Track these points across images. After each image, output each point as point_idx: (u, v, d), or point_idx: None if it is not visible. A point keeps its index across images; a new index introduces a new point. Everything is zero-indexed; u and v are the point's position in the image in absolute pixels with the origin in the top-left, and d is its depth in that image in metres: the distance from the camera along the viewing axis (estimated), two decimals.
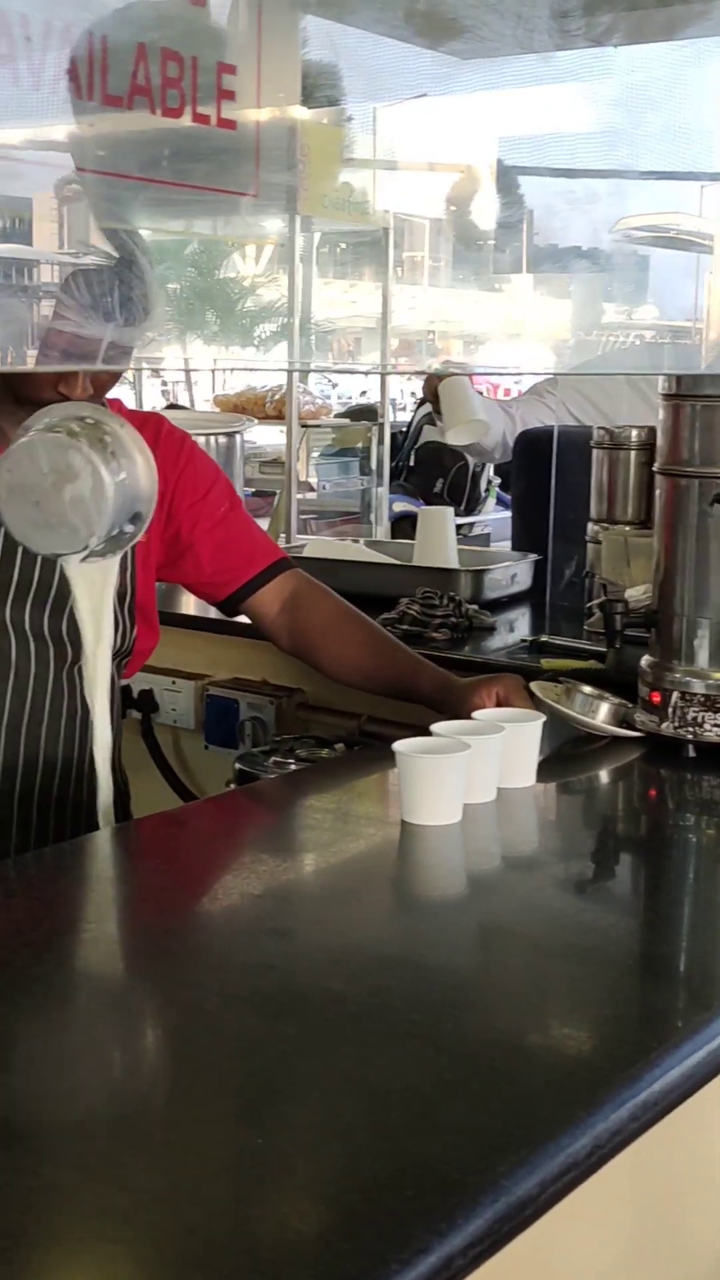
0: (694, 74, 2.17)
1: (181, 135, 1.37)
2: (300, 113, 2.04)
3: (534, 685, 2.08)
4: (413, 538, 3.42)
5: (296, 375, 4.55)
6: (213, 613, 2.64)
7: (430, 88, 2.23)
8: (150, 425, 2.22)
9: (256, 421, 4.75)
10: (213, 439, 3.57)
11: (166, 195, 1.47)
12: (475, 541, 4.75)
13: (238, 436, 3.71)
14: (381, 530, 4.70)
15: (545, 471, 3.12)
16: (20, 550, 1.98)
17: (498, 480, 5.43)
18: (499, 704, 2.03)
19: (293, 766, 2.22)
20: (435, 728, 1.81)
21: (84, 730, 2.09)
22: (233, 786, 2.25)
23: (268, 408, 4.80)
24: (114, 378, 2.14)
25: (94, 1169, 1.01)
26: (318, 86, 1.91)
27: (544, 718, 1.92)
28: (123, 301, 1.80)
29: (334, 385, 11.25)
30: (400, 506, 4.83)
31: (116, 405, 2.21)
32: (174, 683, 2.94)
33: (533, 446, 3.39)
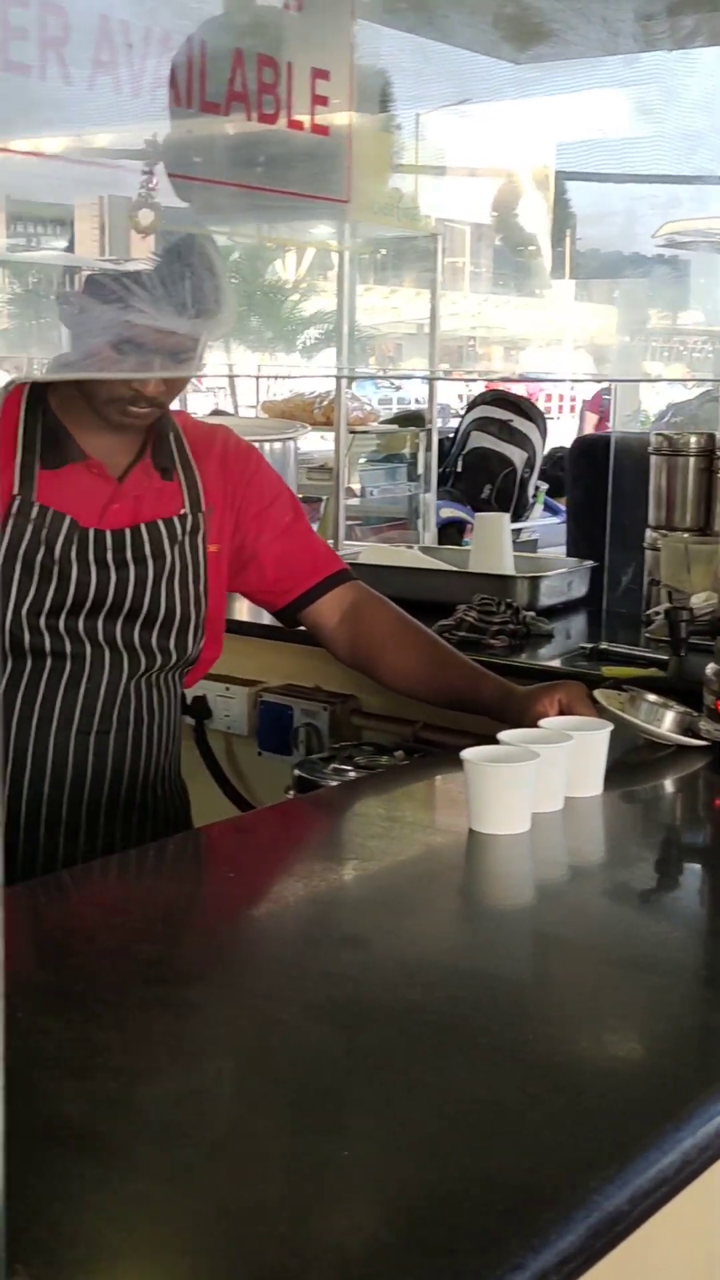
0: None
1: (277, 141, 1.37)
2: (347, 118, 2.04)
3: (597, 693, 2.07)
4: (459, 544, 3.40)
5: (346, 381, 4.55)
6: (265, 618, 2.64)
7: (489, 94, 2.23)
8: (218, 438, 2.23)
9: (310, 428, 4.75)
10: (266, 445, 3.57)
11: (250, 201, 1.47)
12: (523, 547, 4.73)
13: (292, 443, 3.71)
14: (429, 536, 4.69)
15: (601, 478, 3.10)
16: (97, 569, 2.00)
17: (545, 486, 5.42)
18: (562, 711, 2.01)
19: (352, 774, 2.21)
20: (503, 736, 1.80)
21: (149, 738, 2.10)
22: (292, 794, 2.25)
23: (316, 414, 4.80)
24: (186, 380, 2.15)
25: (178, 1180, 1.01)
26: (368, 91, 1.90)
27: (611, 726, 1.90)
28: (194, 294, 1.80)
29: (398, 388, 11.15)
30: (447, 512, 4.82)
31: (182, 417, 2.22)
32: (227, 689, 2.94)
33: (589, 453, 3.38)
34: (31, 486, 2.00)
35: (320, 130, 1.41)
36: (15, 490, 1.99)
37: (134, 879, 1.64)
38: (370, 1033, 1.23)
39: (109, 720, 2.05)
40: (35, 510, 1.99)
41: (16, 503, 1.98)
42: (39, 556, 1.98)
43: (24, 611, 1.98)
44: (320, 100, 1.39)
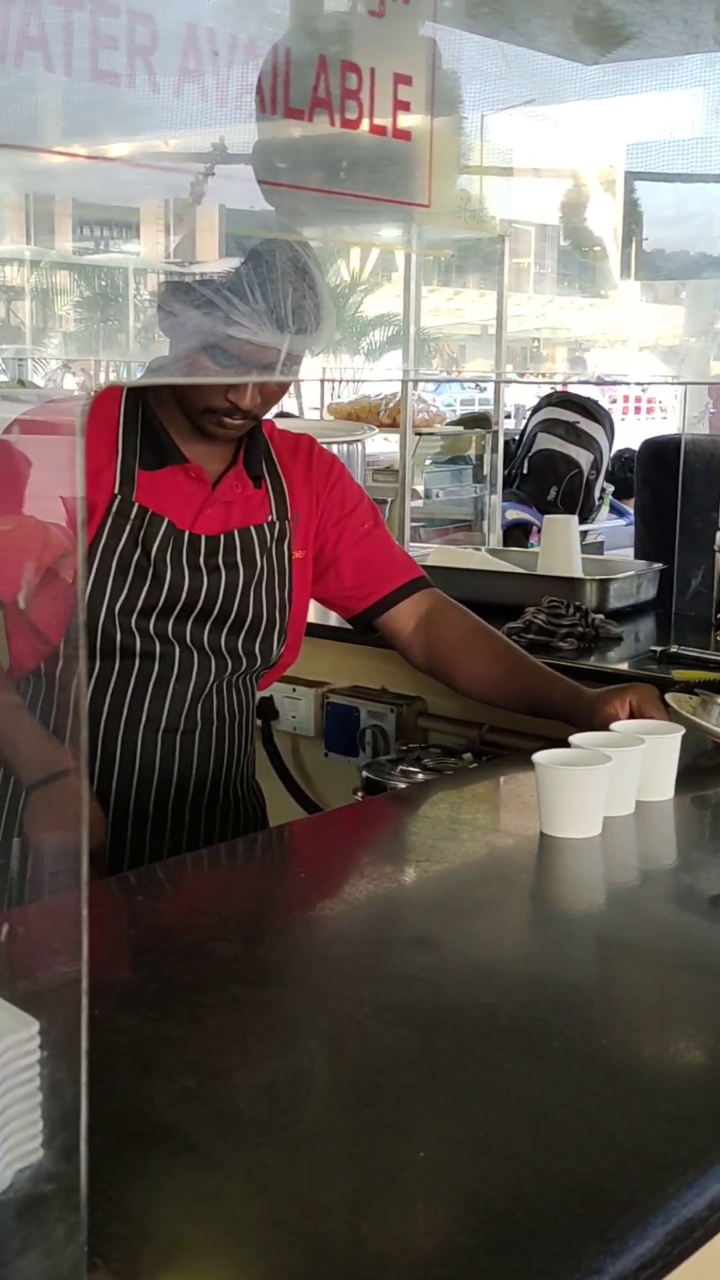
0: None
1: (359, 146, 1.38)
2: (416, 120, 2.04)
3: (668, 696, 2.06)
4: (525, 545, 3.39)
5: (411, 384, 4.55)
6: (331, 619, 2.64)
7: (566, 95, 2.23)
8: (303, 446, 2.25)
9: (378, 430, 4.75)
10: (333, 448, 3.58)
11: (331, 205, 1.48)
12: (589, 550, 4.71)
13: (359, 445, 3.71)
14: (494, 538, 4.68)
15: (671, 479, 3.09)
16: (190, 572, 2.02)
17: (611, 488, 5.39)
18: (632, 714, 2.00)
19: (420, 776, 2.21)
20: (575, 739, 1.80)
21: (229, 738, 2.12)
22: (360, 795, 2.25)
23: (381, 416, 4.80)
24: (283, 389, 2.16)
25: (256, 1178, 1.01)
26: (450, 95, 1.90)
27: (683, 730, 1.89)
28: (296, 310, 1.81)
29: (482, 389, 11.04)
30: (513, 514, 4.80)
31: (269, 426, 2.23)
32: (294, 690, 2.95)
33: (658, 455, 3.36)
34: (132, 487, 2.02)
35: (402, 135, 1.41)
36: (115, 490, 2.00)
37: (209, 878, 1.65)
38: (445, 1035, 1.23)
39: (193, 720, 2.07)
40: (135, 510, 2.00)
41: (117, 502, 2.00)
42: (135, 556, 2.00)
43: (116, 610, 2.00)
44: (402, 105, 1.39)
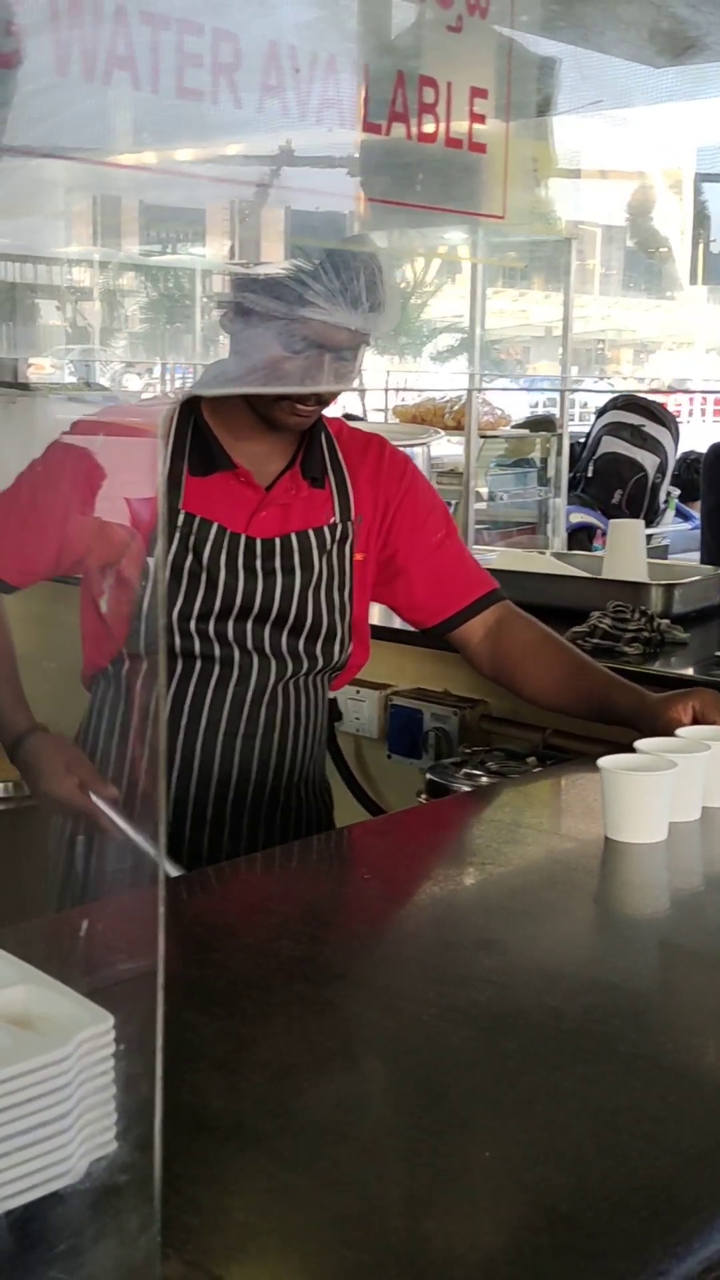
0: None
1: (436, 158, 1.39)
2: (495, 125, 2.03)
3: None
4: (589, 549, 3.39)
5: (475, 384, 4.56)
6: (395, 621, 2.65)
7: (637, 100, 2.23)
8: (373, 446, 2.23)
9: (444, 433, 4.75)
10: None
11: (405, 216, 1.49)
12: (654, 553, 4.70)
13: (424, 447, 3.72)
14: (559, 541, 4.67)
15: None
16: (245, 575, 2.03)
17: (678, 492, 5.37)
18: (695, 720, 2.00)
19: (484, 779, 2.22)
20: (640, 744, 1.80)
21: (295, 740, 2.13)
22: (424, 797, 2.26)
23: (447, 418, 4.81)
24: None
25: (325, 1174, 1.03)
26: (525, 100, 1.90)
27: None
28: (368, 287, 1.82)
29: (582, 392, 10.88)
30: (577, 517, 4.79)
31: (337, 425, 2.23)
32: (357, 692, 2.96)
33: None
34: (178, 494, 2.02)
35: (478, 148, 1.43)
36: (163, 499, 2.00)
37: (276, 878, 1.67)
38: (511, 1037, 1.24)
39: (255, 723, 2.08)
40: (182, 518, 2.01)
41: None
42: (187, 563, 2.01)
43: (174, 616, 2.01)
44: (478, 118, 1.40)
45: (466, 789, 2.19)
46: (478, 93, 1.40)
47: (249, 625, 2.06)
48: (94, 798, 1.94)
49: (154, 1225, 0.89)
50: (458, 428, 4.59)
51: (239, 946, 1.45)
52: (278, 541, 2.07)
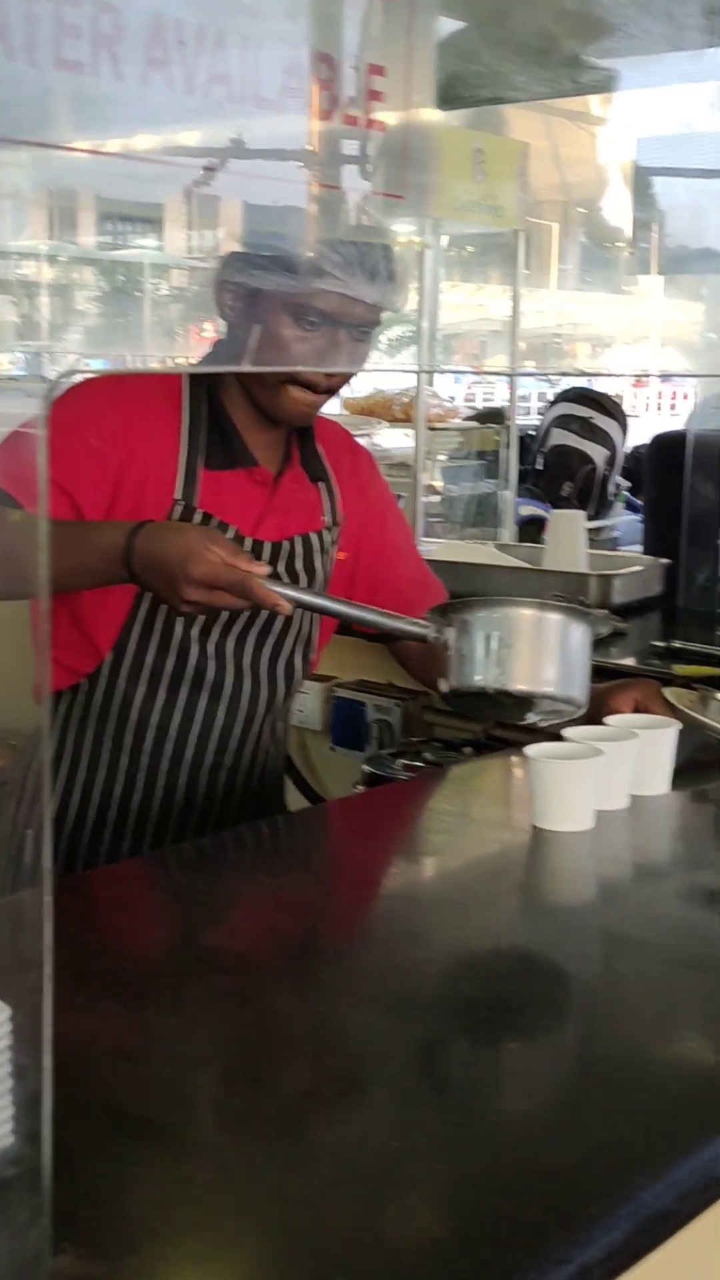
0: None
1: (331, 138, 1.37)
2: (433, 115, 2.01)
3: (667, 691, 2.05)
4: (540, 541, 3.39)
5: (424, 379, 4.55)
6: None
7: (573, 89, 2.22)
8: (343, 439, 2.15)
9: (388, 424, 4.74)
10: None
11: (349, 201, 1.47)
12: (603, 545, 4.70)
13: (368, 439, 3.71)
14: (508, 534, 4.66)
15: (678, 476, 3.08)
16: None
17: (627, 484, 5.37)
18: (636, 710, 1.99)
19: (422, 769, 2.21)
20: (568, 733, 1.80)
21: (263, 764, 2.09)
22: (360, 788, 2.25)
23: (396, 410, 4.80)
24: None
25: (229, 1166, 1.02)
26: (462, 92, 1.90)
27: (679, 725, 1.89)
28: (385, 261, 1.76)
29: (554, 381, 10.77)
30: (527, 510, 4.79)
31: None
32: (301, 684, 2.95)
33: (666, 451, 3.35)
34: (194, 490, 1.89)
35: (377, 126, 1.41)
36: (178, 495, 1.87)
37: (196, 868, 1.65)
38: (427, 1026, 1.23)
39: (240, 757, 2.03)
40: (198, 518, 1.88)
41: (179, 509, 1.86)
42: None
43: (168, 629, 1.91)
44: (375, 95, 1.38)
45: (403, 779, 2.18)
46: (375, 70, 1.38)
47: (250, 640, 1.96)
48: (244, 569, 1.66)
49: (44, 1217, 0.87)
50: (406, 420, 4.58)
51: (157, 938, 1.44)
52: (285, 546, 1.96)
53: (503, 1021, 1.24)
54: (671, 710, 2.00)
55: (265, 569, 1.68)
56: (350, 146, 1.54)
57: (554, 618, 1.64)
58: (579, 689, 1.67)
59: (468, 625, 1.65)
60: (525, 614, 1.64)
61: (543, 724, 1.70)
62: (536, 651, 1.62)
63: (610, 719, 1.91)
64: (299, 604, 1.71)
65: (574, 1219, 0.95)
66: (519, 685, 1.61)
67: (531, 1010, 1.27)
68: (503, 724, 2.50)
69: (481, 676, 1.63)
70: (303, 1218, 0.95)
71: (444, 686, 1.68)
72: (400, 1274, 0.89)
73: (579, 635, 1.66)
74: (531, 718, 1.73)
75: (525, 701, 1.64)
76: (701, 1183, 1.02)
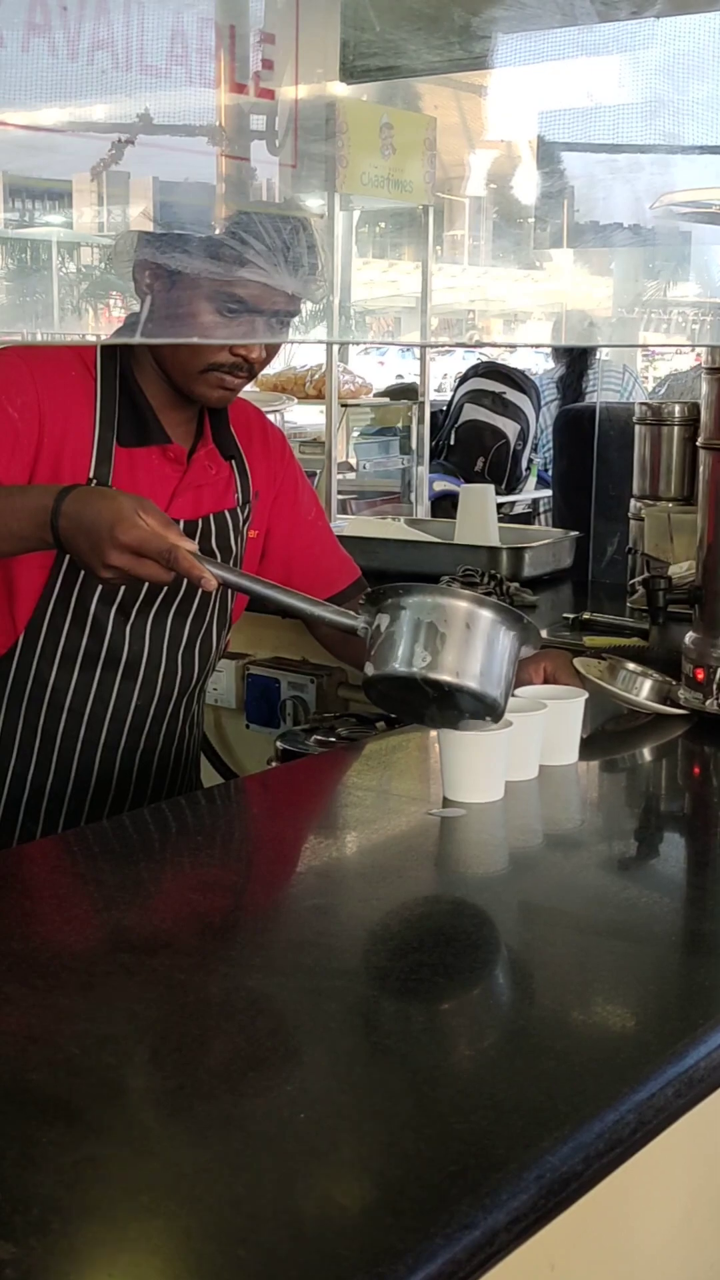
0: None
1: (238, 111, 1.35)
2: (339, 88, 1.99)
3: (576, 661, 2.07)
4: (454, 517, 3.40)
5: (336, 355, 4.54)
6: None
7: (470, 61, 2.21)
8: (253, 417, 2.14)
9: (297, 401, 4.73)
10: None
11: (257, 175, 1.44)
12: (517, 519, 4.74)
13: (278, 415, 3.69)
14: (422, 509, 4.67)
15: (587, 448, 3.10)
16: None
17: (540, 459, 5.41)
18: (546, 680, 2.00)
19: (335, 744, 2.21)
20: None
21: (179, 748, 2.10)
22: (274, 765, 2.25)
23: (308, 387, 4.79)
24: (279, 346, 2.02)
25: (134, 1142, 1.01)
26: (356, 62, 1.88)
27: (586, 695, 1.91)
28: (309, 248, 1.75)
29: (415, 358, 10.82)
30: (441, 485, 4.81)
31: None
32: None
33: (574, 424, 3.38)
34: (108, 468, 1.88)
35: (265, 95, 1.39)
36: (91, 473, 1.86)
37: (106, 847, 1.64)
38: (334, 999, 1.23)
39: (155, 739, 2.04)
40: None
41: (93, 486, 1.83)
42: None
43: (76, 605, 1.91)
44: (266, 64, 1.37)
45: (316, 754, 2.18)
46: (265, 38, 1.36)
47: (169, 619, 1.96)
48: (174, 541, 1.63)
49: None
50: (318, 396, 4.57)
51: (66, 918, 1.43)
52: (198, 523, 1.96)
53: (413, 992, 1.25)
54: (580, 680, 2.02)
55: (193, 545, 1.65)
56: (257, 121, 1.52)
57: (488, 615, 1.62)
58: (499, 692, 1.63)
59: (400, 610, 1.63)
60: (460, 605, 1.62)
61: (461, 728, 1.68)
62: (466, 644, 1.61)
63: (520, 690, 1.92)
64: (225, 583, 1.68)
65: (480, 1184, 0.95)
66: (444, 675, 1.59)
67: (442, 980, 1.27)
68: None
69: (407, 663, 1.61)
70: (209, 1193, 0.95)
71: (369, 670, 1.66)
72: (304, 1244, 0.90)
73: (509, 640, 1.65)
74: (444, 723, 1.69)
75: (446, 697, 1.62)
76: (606, 1145, 1.03)
